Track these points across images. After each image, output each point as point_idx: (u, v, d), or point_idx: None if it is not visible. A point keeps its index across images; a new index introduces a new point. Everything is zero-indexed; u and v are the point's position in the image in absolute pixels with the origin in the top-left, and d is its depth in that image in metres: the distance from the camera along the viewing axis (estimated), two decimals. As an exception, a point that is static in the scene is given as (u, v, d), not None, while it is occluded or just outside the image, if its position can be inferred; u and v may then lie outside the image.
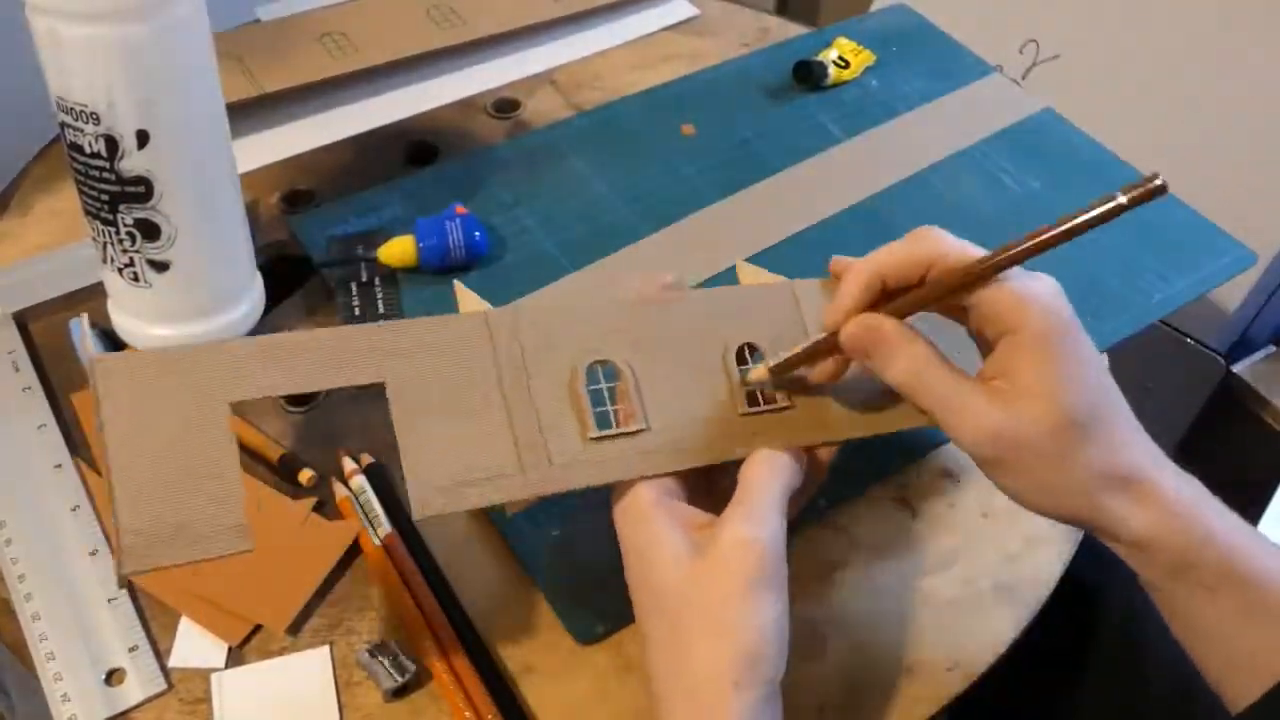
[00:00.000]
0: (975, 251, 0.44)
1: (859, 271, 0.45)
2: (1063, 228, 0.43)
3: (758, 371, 0.48)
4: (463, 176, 0.74)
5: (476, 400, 0.43)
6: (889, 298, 0.45)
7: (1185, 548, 0.42)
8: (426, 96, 0.80)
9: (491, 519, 0.55)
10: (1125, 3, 1.07)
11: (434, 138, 0.78)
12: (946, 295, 0.44)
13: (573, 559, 0.54)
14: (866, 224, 0.71)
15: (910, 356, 0.43)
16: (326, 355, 0.43)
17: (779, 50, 0.86)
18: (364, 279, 0.66)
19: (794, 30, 0.90)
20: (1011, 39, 1.13)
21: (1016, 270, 0.43)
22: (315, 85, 0.76)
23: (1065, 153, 0.77)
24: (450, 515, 0.56)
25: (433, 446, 0.43)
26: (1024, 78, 1.12)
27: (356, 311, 0.64)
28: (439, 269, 0.66)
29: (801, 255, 0.69)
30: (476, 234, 0.66)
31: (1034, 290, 0.43)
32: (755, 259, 0.69)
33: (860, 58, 0.83)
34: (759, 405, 0.48)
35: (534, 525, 0.55)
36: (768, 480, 0.44)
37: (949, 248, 0.44)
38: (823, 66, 0.81)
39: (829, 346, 0.46)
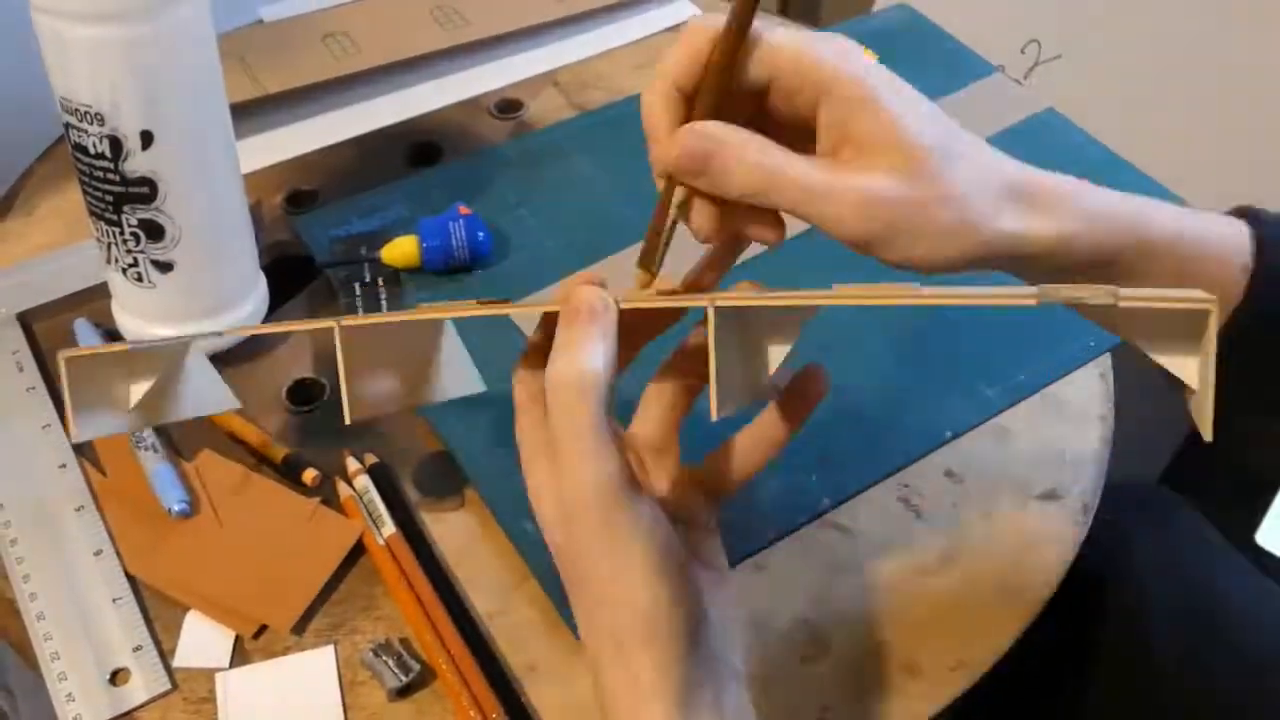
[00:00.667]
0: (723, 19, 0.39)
1: (652, 90, 0.41)
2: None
3: (639, 277, 0.45)
4: (466, 177, 0.74)
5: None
6: (690, 108, 0.41)
7: (1100, 241, 0.40)
8: (430, 97, 0.80)
9: (496, 518, 0.55)
10: (1126, 3, 1.07)
11: (437, 138, 0.78)
12: (729, 65, 0.39)
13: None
14: (869, 224, 0.71)
15: (753, 150, 0.38)
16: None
17: (781, 50, 0.86)
18: (367, 279, 0.66)
19: (796, 30, 0.90)
20: (1013, 39, 1.13)
21: (799, 34, 0.39)
22: (319, 86, 0.76)
23: (1067, 152, 0.77)
24: (452, 515, 0.56)
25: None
26: (1026, 78, 1.12)
27: (360, 312, 0.64)
28: (442, 269, 0.66)
29: (802, 255, 0.69)
30: (480, 234, 0.66)
31: (826, 39, 0.39)
32: (755, 259, 0.69)
33: (862, 58, 0.83)
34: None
35: (536, 525, 0.55)
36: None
37: (715, 23, 0.39)
38: (825, 67, 0.81)
39: (662, 210, 0.43)
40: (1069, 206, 0.40)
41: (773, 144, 0.39)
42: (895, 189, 0.38)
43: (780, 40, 0.39)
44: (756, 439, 0.44)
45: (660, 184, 0.43)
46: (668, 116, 0.41)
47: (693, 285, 0.45)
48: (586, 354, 0.38)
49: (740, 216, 0.42)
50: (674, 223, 0.43)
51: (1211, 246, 0.41)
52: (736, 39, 0.38)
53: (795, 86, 0.39)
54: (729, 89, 0.39)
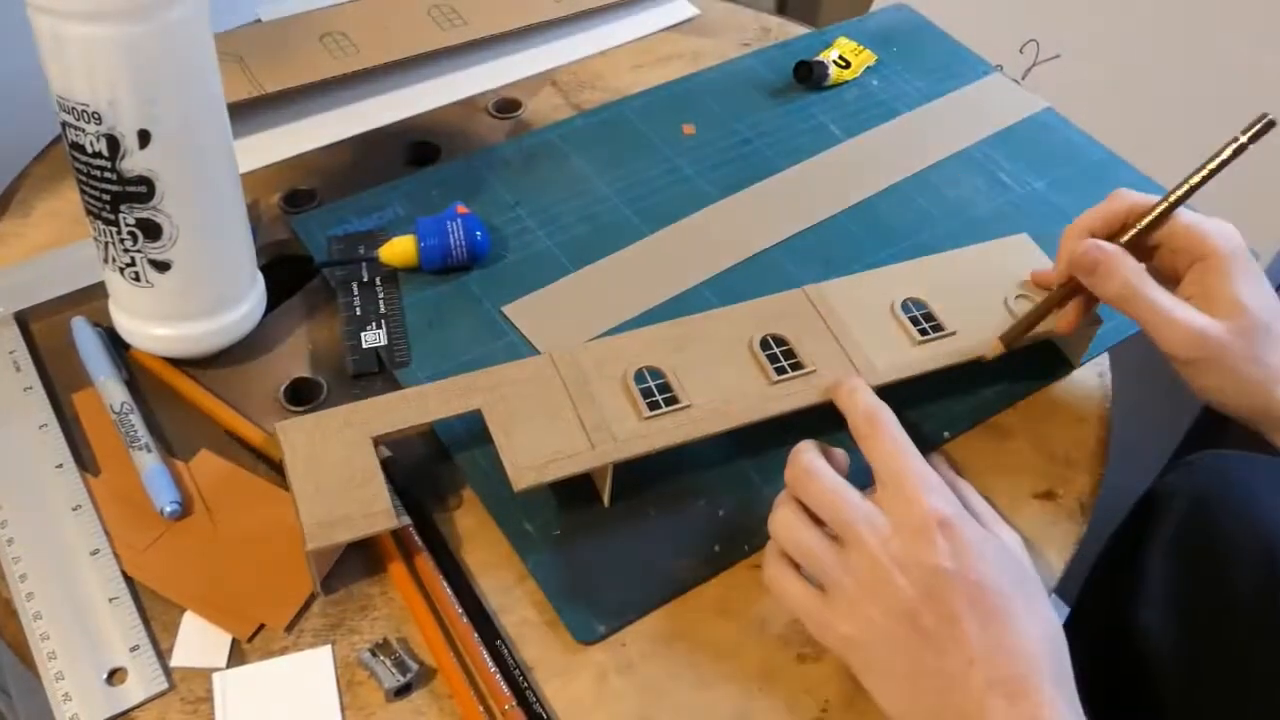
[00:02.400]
0: (1156, 197, 0.55)
1: (1072, 229, 0.57)
2: (1207, 169, 0.55)
3: (994, 345, 0.58)
4: (464, 176, 0.74)
5: (551, 406, 0.54)
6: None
7: None
8: (427, 96, 0.80)
9: (494, 518, 0.55)
10: (1126, 3, 1.07)
11: (435, 138, 0.78)
12: (1142, 232, 0.55)
13: (574, 559, 0.54)
14: (867, 224, 0.72)
15: (1129, 270, 0.53)
16: (438, 395, 0.55)
17: (779, 50, 0.86)
18: (365, 279, 0.66)
19: (794, 30, 0.90)
20: (1012, 39, 1.13)
21: (1197, 216, 0.55)
22: (316, 85, 0.76)
23: (1066, 152, 0.77)
24: (453, 515, 0.56)
25: (522, 442, 0.53)
26: (1024, 77, 1.12)
27: (358, 311, 0.64)
28: (440, 269, 0.66)
29: (802, 255, 0.69)
30: (478, 234, 0.66)
31: (1216, 224, 0.54)
32: (755, 259, 0.69)
33: (861, 58, 0.83)
34: (786, 374, 0.56)
35: (535, 525, 0.55)
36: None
37: (1140, 199, 0.55)
38: (823, 66, 0.81)
39: (1049, 304, 0.57)
40: None
41: (1143, 271, 0.54)
42: (1220, 334, 0.51)
43: (1181, 216, 0.55)
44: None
45: (1055, 286, 0.58)
46: (1076, 240, 0.56)
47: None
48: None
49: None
50: (1043, 317, 0.58)
51: None
52: (1161, 220, 0.55)
53: (1182, 248, 0.54)
54: (1138, 241, 0.55)
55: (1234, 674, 0.54)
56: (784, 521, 0.49)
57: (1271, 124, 0.53)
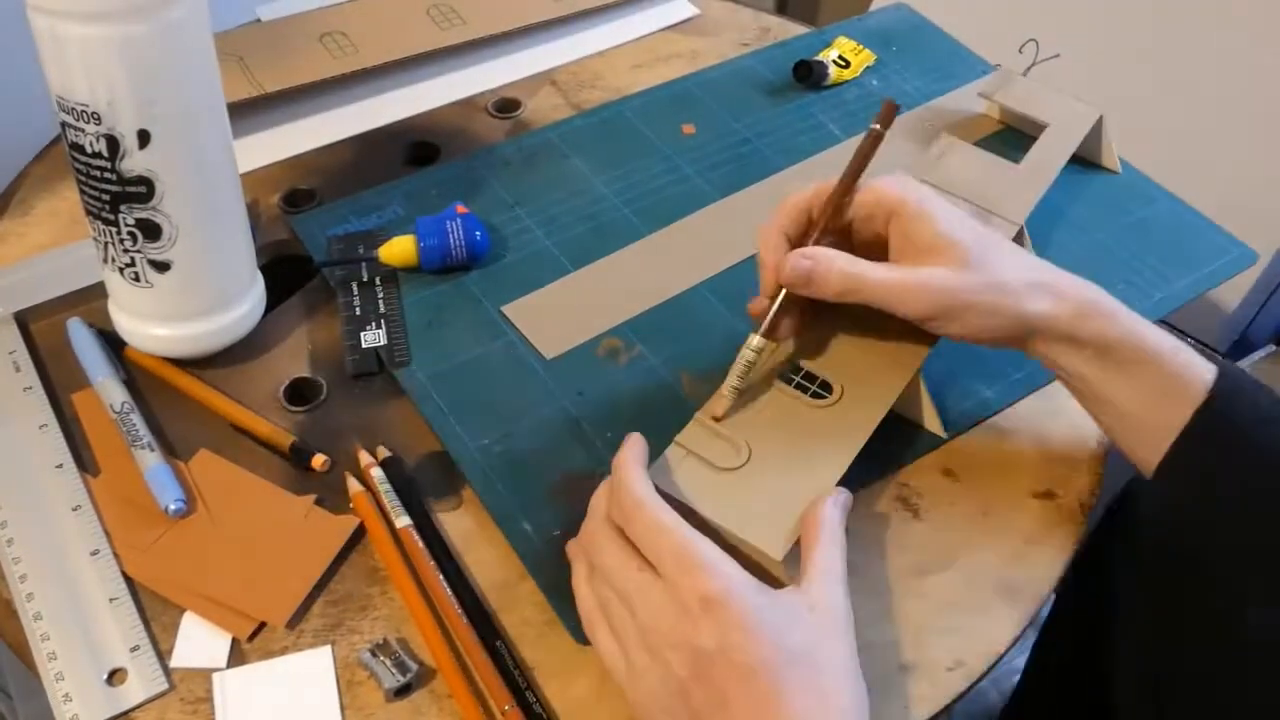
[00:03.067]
0: (832, 181, 0.54)
1: (764, 241, 0.55)
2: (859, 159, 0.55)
3: (719, 396, 0.54)
4: (463, 176, 0.74)
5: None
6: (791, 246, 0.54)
7: (1104, 333, 0.51)
8: (427, 96, 0.80)
9: (494, 518, 0.55)
10: (1126, 3, 1.07)
11: (434, 137, 0.78)
12: (833, 215, 0.54)
13: (574, 558, 0.54)
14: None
15: (842, 264, 0.52)
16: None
17: (779, 50, 0.86)
18: (365, 278, 0.66)
19: (794, 30, 0.90)
20: (1011, 38, 1.13)
21: (876, 178, 0.54)
22: (316, 85, 0.76)
23: (1065, 152, 0.77)
24: (449, 516, 0.56)
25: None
26: (1024, 77, 1.12)
27: (357, 311, 0.64)
28: (440, 268, 0.66)
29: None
30: (477, 233, 0.66)
31: (888, 178, 0.54)
32: (754, 258, 0.69)
33: (860, 57, 0.83)
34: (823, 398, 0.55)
35: (535, 525, 0.55)
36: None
37: (801, 194, 0.55)
38: (823, 66, 0.81)
39: (763, 309, 0.54)
40: (1059, 294, 0.52)
41: (856, 258, 0.52)
42: (948, 278, 0.51)
43: (862, 191, 0.54)
44: None
45: (765, 301, 0.54)
46: (776, 253, 0.54)
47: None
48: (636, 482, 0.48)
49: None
50: (750, 365, 0.54)
51: (1182, 362, 0.51)
52: (840, 196, 0.54)
53: (871, 214, 0.54)
54: (829, 228, 0.54)
55: (1200, 691, 0.53)
56: (584, 573, 0.49)
57: (895, 107, 0.57)
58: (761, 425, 0.53)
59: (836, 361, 0.56)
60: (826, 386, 0.55)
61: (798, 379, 0.56)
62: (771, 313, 0.53)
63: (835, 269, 0.52)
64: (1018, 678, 0.73)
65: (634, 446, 0.50)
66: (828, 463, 0.52)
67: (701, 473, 0.51)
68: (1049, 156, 0.72)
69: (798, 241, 0.54)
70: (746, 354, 0.53)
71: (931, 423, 0.60)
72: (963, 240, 0.51)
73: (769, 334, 0.53)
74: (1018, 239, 0.65)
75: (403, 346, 0.63)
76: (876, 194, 0.53)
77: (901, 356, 0.56)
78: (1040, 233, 0.69)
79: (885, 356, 0.56)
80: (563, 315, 0.65)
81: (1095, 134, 0.75)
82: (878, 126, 0.56)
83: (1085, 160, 0.77)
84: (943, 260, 0.51)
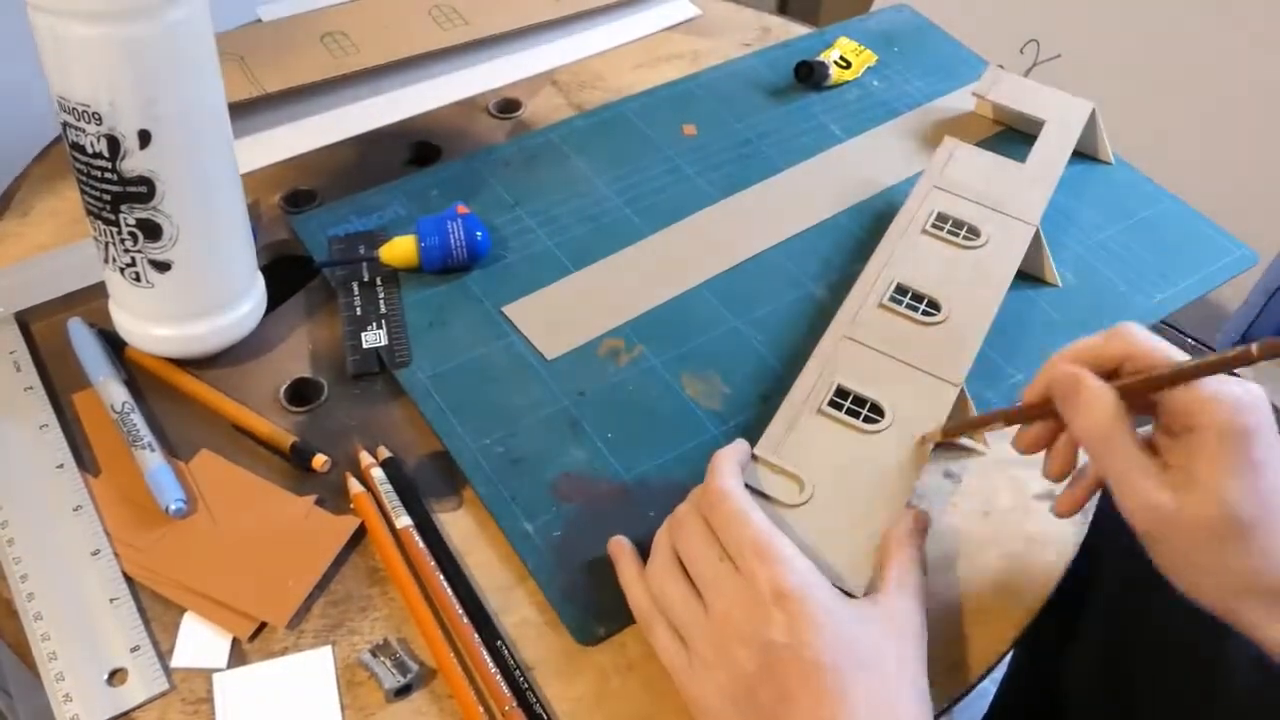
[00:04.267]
0: (1167, 350, 0.46)
1: (1061, 355, 0.48)
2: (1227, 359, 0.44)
3: (931, 431, 0.54)
4: (464, 176, 0.74)
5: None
6: None
7: None
8: (428, 96, 0.80)
9: (495, 518, 0.55)
10: (1126, 3, 1.07)
11: (435, 138, 0.78)
12: (1149, 390, 0.45)
13: (574, 559, 0.54)
14: (868, 224, 0.71)
15: (1105, 411, 0.45)
16: None
17: (780, 50, 0.86)
18: (365, 279, 0.66)
19: (795, 30, 0.90)
20: (1012, 39, 1.13)
21: (1221, 378, 0.44)
22: (317, 85, 0.76)
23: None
24: (450, 516, 0.56)
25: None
26: (1024, 77, 1.12)
27: (358, 311, 0.64)
28: (441, 269, 0.66)
29: (802, 256, 0.69)
30: (478, 234, 0.66)
31: (1225, 390, 0.43)
32: (756, 259, 0.69)
33: (861, 58, 0.83)
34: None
35: (535, 525, 0.55)
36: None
37: (1141, 344, 0.46)
38: (824, 66, 0.81)
39: (1006, 414, 0.51)
40: None
41: (1124, 416, 0.45)
42: (1177, 517, 0.43)
43: (1204, 386, 0.44)
44: None
45: (1025, 401, 0.50)
46: (1066, 363, 0.47)
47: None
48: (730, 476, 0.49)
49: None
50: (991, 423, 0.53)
51: None
52: (1159, 387, 0.45)
53: (1177, 409, 0.44)
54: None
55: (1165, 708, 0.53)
56: (634, 572, 0.50)
57: None
58: (817, 456, 0.53)
59: (882, 382, 0.56)
60: (877, 410, 0.55)
61: (847, 404, 0.56)
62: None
63: (1102, 408, 0.45)
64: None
65: (737, 445, 0.51)
66: (893, 488, 0.52)
67: (766, 510, 0.49)
68: (1052, 153, 0.72)
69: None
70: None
71: (980, 442, 0.60)
72: (1230, 501, 0.42)
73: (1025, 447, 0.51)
74: (1035, 242, 0.65)
75: (403, 347, 0.63)
76: (1197, 397, 0.44)
77: (944, 372, 0.57)
78: (1044, 234, 0.68)
79: (928, 375, 0.57)
80: (564, 316, 0.65)
81: (1090, 127, 0.75)
82: (1254, 350, 0.42)
83: (1082, 156, 0.77)
84: (1194, 501, 0.43)
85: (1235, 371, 0.44)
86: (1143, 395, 0.45)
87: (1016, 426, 0.51)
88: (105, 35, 0.49)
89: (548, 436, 0.59)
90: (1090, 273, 0.69)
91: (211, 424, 0.59)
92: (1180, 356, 0.46)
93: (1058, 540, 0.56)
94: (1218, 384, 0.44)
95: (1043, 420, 0.50)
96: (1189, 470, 0.43)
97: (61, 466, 0.57)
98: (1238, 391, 0.43)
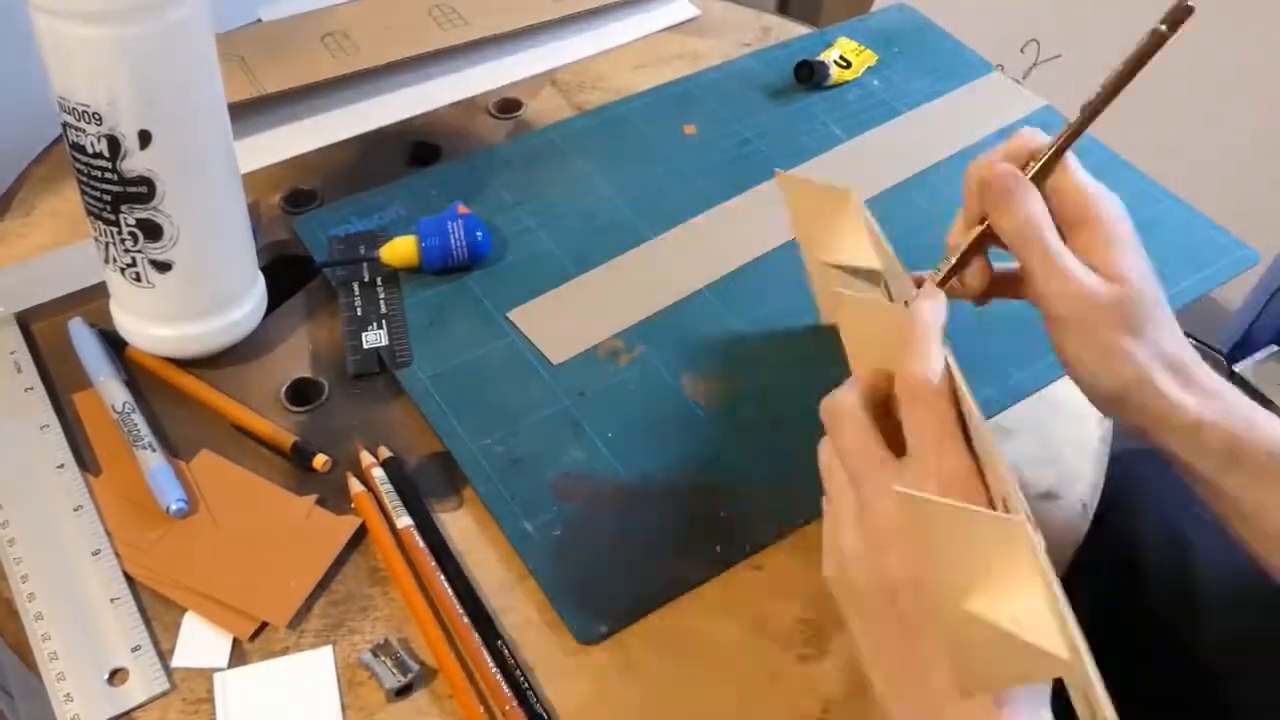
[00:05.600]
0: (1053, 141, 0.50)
1: (976, 163, 0.51)
2: (1120, 70, 0.51)
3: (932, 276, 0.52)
4: (464, 176, 0.74)
5: None
6: None
7: (1233, 434, 0.47)
8: (428, 97, 0.80)
9: (495, 518, 0.55)
10: (1126, 3, 1.07)
11: (436, 138, 0.78)
12: (1043, 168, 0.50)
13: (574, 559, 0.54)
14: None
15: (1031, 208, 0.48)
16: None
17: (780, 50, 0.86)
18: (366, 279, 0.66)
19: (795, 30, 0.90)
20: (1013, 39, 1.13)
21: (1088, 177, 0.50)
22: (317, 85, 0.76)
23: (1067, 152, 0.77)
24: (450, 515, 0.56)
25: None
26: (1025, 78, 1.12)
27: (359, 311, 0.64)
28: (441, 269, 0.66)
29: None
30: (478, 234, 0.66)
31: (1104, 190, 0.50)
32: (758, 262, 0.69)
33: (862, 57, 0.83)
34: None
35: (536, 525, 0.55)
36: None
37: (1041, 141, 0.50)
38: (824, 66, 0.81)
39: (973, 247, 0.52)
40: (1197, 384, 0.48)
41: (1047, 214, 0.49)
42: (1104, 298, 0.47)
43: (1076, 173, 0.50)
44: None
45: (959, 233, 0.53)
46: (982, 169, 0.51)
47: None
48: (936, 358, 0.44)
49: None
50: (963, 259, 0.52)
51: None
52: (1055, 158, 0.50)
53: (1069, 207, 0.49)
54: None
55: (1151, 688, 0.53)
56: (824, 445, 0.46)
57: (1189, 9, 0.49)
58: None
59: None
60: None
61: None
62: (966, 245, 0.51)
63: (1027, 206, 0.48)
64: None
65: (935, 302, 0.47)
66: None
67: None
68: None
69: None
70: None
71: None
72: (1135, 279, 0.48)
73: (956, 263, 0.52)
74: None
75: (404, 347, 0.63)
76: (1086, 194, 0.49)
77: None
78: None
79: None
80: (568, 320, 0.65)
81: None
82: (1163, 28, 0.50)
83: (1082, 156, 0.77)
84: (1114, 284, 0.47)
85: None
86: (1043, 179, 0.50)
87: None
88: (106, 35, 0.49)
89: (548, 436, 0.59)
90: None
91: (212, 424, 0.59)
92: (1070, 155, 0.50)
93: (1057, 540, 0.56)
94: (1098, 187, 0.50)
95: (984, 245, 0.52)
96: (1099, 258, 0.48)
97: (62, 466, 0.57)
98: (1111, 193, 0.50)
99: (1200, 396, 0.47)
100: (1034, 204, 0.48)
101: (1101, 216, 0.49)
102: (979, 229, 0.51)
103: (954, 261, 0.52)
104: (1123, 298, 0.47)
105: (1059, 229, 0.49)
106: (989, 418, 0.61)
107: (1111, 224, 0.49)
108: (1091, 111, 0.50)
